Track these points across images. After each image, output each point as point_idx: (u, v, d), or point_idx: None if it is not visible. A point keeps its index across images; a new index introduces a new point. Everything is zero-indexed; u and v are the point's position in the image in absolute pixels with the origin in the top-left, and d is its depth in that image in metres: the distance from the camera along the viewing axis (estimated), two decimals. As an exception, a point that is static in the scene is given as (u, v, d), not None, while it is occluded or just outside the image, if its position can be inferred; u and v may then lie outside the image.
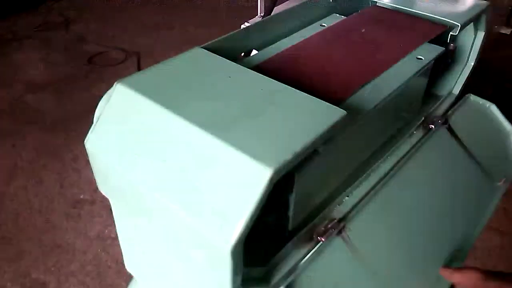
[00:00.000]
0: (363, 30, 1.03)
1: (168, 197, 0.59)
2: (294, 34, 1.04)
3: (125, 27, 3.74)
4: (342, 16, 1.13)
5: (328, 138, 0.62)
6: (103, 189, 0.75)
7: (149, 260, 0.76)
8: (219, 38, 0.88)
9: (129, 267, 0.77)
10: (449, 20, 0.93)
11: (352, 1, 1.03)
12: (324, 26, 1.08)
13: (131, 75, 0.72)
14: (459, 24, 0.92)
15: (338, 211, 0.78)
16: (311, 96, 0.67)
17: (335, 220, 0.75)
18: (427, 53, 0.91)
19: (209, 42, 0.85)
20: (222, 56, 0.80)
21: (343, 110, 0.64)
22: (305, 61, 0.90)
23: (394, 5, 0.98)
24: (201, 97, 0.67)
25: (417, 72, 0.85)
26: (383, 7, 0.98)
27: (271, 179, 0.53)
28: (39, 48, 3.38)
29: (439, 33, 0.94)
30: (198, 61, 0.77)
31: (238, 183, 0.55)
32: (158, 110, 0.64)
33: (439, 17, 0.94)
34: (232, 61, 0.88)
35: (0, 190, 2.23)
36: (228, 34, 0.90)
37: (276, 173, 0.53)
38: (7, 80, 2.99)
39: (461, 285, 0.69)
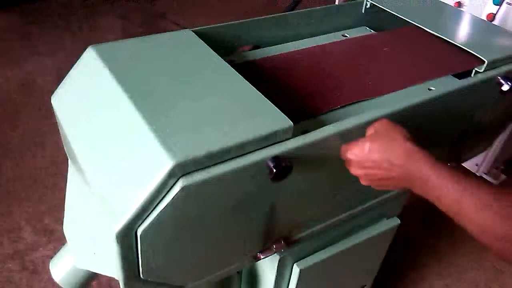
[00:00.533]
0: (385, 49, 0.94)
1: (88, 163, 0.59)
2: (311, 38, 0.99)
3: (209, 9, 3.81)
4: (372, 31, 1.05)
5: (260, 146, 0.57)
6: (65, 148, 0.76)
7: (79, 224, 0.75)
8: (216, 25, 0.85)
9: (65, 229, 0.77)
10: (477, 55, 0.81)
11: (387, 18, 0.95)
12: (346, 36, 1.01)
13: (106, 43, 0.73)
14: (485, 61, 0.80)
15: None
16: (266, 100, 0.62)
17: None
18: (441, 85, 0.81)
19: (204, 27, 0.83)
20: (214, 44, 0.77)
21: (289, 122, 0.59)
22: (305, 67, 0.84)
23: (432, 29, 0.88)
24: (155, 76, 0.65)
25: (419, 104, 0.75)
26: (421, 29, 0.88)
27: (171, 172, 0.50)
28: (122, 17, 3.58)
29: (465, 69, 0.83)
30: (178, 42, 0.75)
31: (145, 167, 0.52)
32: (109, 79, 0.63)
33: (470, 50, 0.82)
34: (226, 51, 0.87)
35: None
36: (227, 23, 0.87)
37: (178, 166, 0.50)
38: (88, 42, 3.19)
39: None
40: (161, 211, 0.51)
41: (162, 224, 0.53)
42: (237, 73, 0.67)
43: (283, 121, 0.59)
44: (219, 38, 0.87)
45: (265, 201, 0.63)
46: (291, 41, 0.97)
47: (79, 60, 0.71)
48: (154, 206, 0.51)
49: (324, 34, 1.01)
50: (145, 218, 0.52)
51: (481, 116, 0.89)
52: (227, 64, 0.70)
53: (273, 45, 0.94)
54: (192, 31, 0.79)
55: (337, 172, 0.69)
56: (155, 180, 0.50)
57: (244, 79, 0.66)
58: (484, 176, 2.03)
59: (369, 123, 0.65)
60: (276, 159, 0.56)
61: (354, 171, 0.62)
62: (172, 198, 0.51)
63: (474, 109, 0.85)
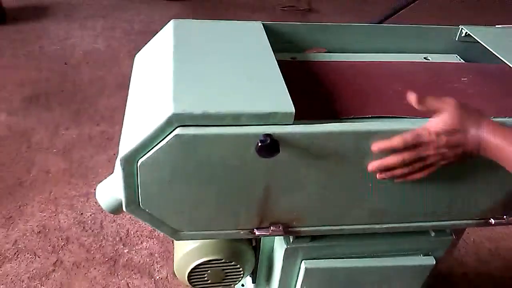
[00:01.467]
0: (463, 79, 0.89)
1: (130, 102, 0.73)
2: (390, 54, 0.98)
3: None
4: (462, 60, 0.99)
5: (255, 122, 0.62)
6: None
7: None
8: (289, 23, 0.92)
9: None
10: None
11: (482, 50, 0.89)
12: (428, 60, 0.97)
13: (186, 19, 0.87)
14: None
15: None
16: (284, 87, 0.67)
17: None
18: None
19: (277, 23, 0.91)
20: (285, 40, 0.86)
21: (292, 108, 0.63)
22: (360, 78, 0.86)
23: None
24: (206, 51, 0.76)
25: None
26: (508, 70, 0.81)
27: (169, 120, 0.60)
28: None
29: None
30: (243, 30, 0.85)
31: (156, 111, 0.63)
32: (170, 45, 0.77)
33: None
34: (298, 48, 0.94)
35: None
36: (303, 23, 0.93)
37: (176, 117, 0.60)
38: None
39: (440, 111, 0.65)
40: (157, 149, 0.62)
41: (158, 161, 0.63)
42: (276, 63, 0.74)
43: (287, 106, 0.63)
44: (291, 36, 0.94)
45: (257, 178, 0.68)
46: (370, 53, 0.99)
47: (162, 29, 0.87)
48: (153, 145, 0.62)
49: (408, 53, 1.00)
50: (145, 153, 0.63)
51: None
52: (272, 55, 0.76)
53: (345, 52, 0.97)
54: (263, 24, 0.88)
55: (343, 175, 0.71)
56: (155, 123, 0.60)
57: (277, 68, 0.72)
58: None
59: (381, 134, 0.66)
60: (268, 136, 0.62)
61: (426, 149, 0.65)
62: (167, 142, 0.61)
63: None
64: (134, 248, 1.61)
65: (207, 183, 0.67)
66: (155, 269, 1.53)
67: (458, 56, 1.00)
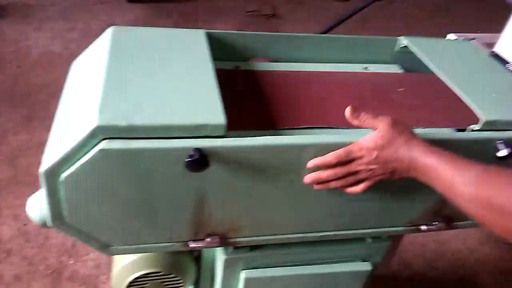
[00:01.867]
0: (400, 89, 0.92)
1: (61, 109, 0.71)
2: (331, 64, 1.00)
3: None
4: (401, 70, 1.02)
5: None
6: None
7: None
8: (235, 31, 0.93)
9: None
10: (475, 112, 0.75)
11: (419, 63, 0.92)
12: (367, 69, 1.00)
13: (124, 26, 0.85)
14: (481, 119, 0.73)
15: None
16: (218, 99, 0.67)
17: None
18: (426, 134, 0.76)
19: (221, 31, 0.91)
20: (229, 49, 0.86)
21: (223, 120, 0.63)
22: (300, 88, 0.87)
23: (449, 80, 0.83)
24: (141, 59, 0.75)
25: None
26: (440, 80, 0.84)
27: (93, 132, 0.58)
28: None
29: (462, 126, 0.77)
30: (184, 38, 0.84)
31: (82, 122, 0.61)
32: (105, 52, 0.75)
33: (471, 105, 0.76)
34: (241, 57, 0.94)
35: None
36: (247, 32, 0.94)
37: (100, 129, 0.58)
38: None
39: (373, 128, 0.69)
40: (81, 164, 0.60)
41: (82, 176, 0.61)
42: (213, 73, 0.74)
43: (218, 118, 0.63)
44: (234, 44, 0.95)
45: (189, 191, 0.68)
46: (314, 62, 1.00)
47: (100, 35, 0.85)
48: (78, 158, 0.60)
49: (348, 63, 1.02)
50: (69, 167, 0.61)
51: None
52: (211, 65, 0.76)
53: (288, 62, 0.98)
54: (206, 32, 0.87)
55: (276, 187, 0.71)
56: (79, 135, 0.59)
57: (214, 79, 0.72)
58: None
59: (313, 147, 0.67)
60: (197, 151, 0.61)
61: (356, 166, 0.68)
62: (91, 156, 0.59)
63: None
64: (80, 260, 1.56)
65: (136, 197, 0.66)
66: (101, 281, 1.49)
67: (398, 66, 1.03)
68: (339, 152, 0.67)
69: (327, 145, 0.68)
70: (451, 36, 2.20)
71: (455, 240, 1.95)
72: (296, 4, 4.42)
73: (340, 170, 0.68)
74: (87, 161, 0.60)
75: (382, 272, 1.71)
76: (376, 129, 0.67)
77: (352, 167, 0.68)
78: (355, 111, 0.68)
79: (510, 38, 1.52)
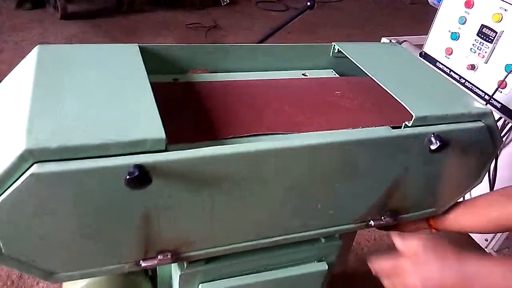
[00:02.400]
0: (337, 93, 0.95)
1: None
2: (269, 72, 1.02)
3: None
4: (336, 75, 1.06)
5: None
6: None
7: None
8: (170, 44, 0.92)
9: None
10: (408, 108, 0.79)
11: (353, 67, 0.95)
12: (306, 75, 1.03)
13: (52, 44, 0.82)
14: (413, 115, 0.77)
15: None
16: (156, 113, 0.66)
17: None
18: (365, 133, 0.79)
19: (156, 45, 0.90)
20: (166, 62, 0.85)
21: (163, 134, 0.62)
22: (238, 96, 0.88)
23: (382, 81, 0.87)
24: (70, 77, 0.72)
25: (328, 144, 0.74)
26: (374, 82, 0.88)
27: (22, 156, 0.55)
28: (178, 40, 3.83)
29: (398, 122, 0.81)
30: (116, 53, 0.81)
31: (10, 146, 0.57)
32: (31, 71, 0.72)
33: (403, 103, 0.80)
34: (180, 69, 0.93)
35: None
36: (183, 44, 0.93)
37: (29, 152, 0.55)
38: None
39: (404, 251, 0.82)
40: (13, 191, 0.56)
41: (15, 204, 0.57)
42: (149, 86, 0.72)
43: (157, 132, 0.62)
44: (171, 57, 0.93)
45: (133, 209, 0.65)
46: (252, 71, 1.01)
47: (27, 55, 0.80)
48: (8, 185, 0.56)
49: (287, 70, 1.04)
50: (0, 195, 0.57)
51: (418, 174, 0.85)
52: (146, 78, 0.74)
53: (228, 72, 0.99)
54: (139, 46, 0.86)
55: (222, 197, 0.71)
56: (7, 161, 0.55)
57: (150, 92, 0.70)
58: (494, 254, 1.87)
59: (255, 154, 0.67)
60: (137, 167, 0.59)
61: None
62: (23, 182, 0.56)
63: (405, 164, 0.82)
64: (29, 291, 1.47)
65: (76, 220, 0.63)
66: (53, 312, 1.41)
67: (333, 71, 1.07)
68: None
69: (267, 151, 0.69)
70: (384, 40, 2.32)
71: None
72: (236, 16, 4.48)
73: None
74: (18, 187, 0.56)
75: (340, 270, 1.75)
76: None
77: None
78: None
79: (435, 38, 1.63)
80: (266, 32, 1.24)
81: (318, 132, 0.80)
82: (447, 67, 1.59)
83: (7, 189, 0.57)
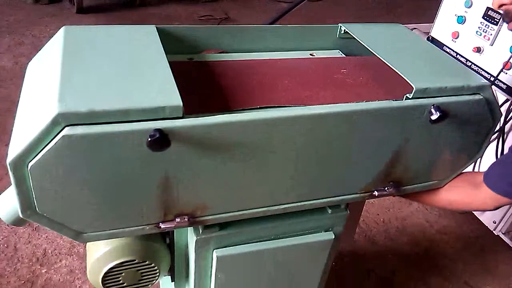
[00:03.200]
0: (343, 71, 1.00)
1: (22, 104, 0.74)
2: (278, 52, 1.07)
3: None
4: (343, 55, 1.10)
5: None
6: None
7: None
8: (185, 26, 0.98)
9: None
10: (408, 81, 0.83)
11: (359, 45, 1.00)
12: (313, 55, 1.08)
13: (78, 26, 0.88)
14: (413, 87, 0.82)
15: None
16: (173, 83, 0.72)
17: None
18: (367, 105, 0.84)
19: (171, 26, 0.96)
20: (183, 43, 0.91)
21: (180, 101, 0.68)
22: (250, 74, 0.93)
23: (387, 59, 0.91)
24: (95, 52, 0.78)
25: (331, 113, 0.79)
26: (379, 60, 0.92)
27: (55, 120, 0.61)
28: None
29: (400, 95, 0.85)
30: (136, 33, 0.88)
31: (44, 111, 0.64)
32: (60, 48, 0.78)
33: (405, 76, 0.85)
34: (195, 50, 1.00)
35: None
36: (196, 26, 0.99)
37: (61, 116, 0.61)
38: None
39: None
40: (46, 152, 0.63)
41: (49, 163, 0.64)
42: (166, 61, 0.78)
43: (175, 100, 0.68)
44: (187, 38, 0.99)
45: (154, 171, 0.72)
46: (263, 51, 1.07)
47: (54, 35, 0.87)
48: (43, 146, 0.63)
49: (295, 50, 1.09)
50: (35, 156, 0.63)
51: (419, 145, 0.90)
52: (163, 54, 0.80)
53: (240, 52, 1.04)
54: (157, 27, 0.92)
55: (235, 163, 0.76)
56: (42, 124, 0.62)
57: (167, 66, 0.76)
58: (502, 236, 1.90)
59: (266, 121, 0.73)
60: (157, 131, 0.65)
61: None
62: (55, 143, 0.62)
63: (406, 135, 0.87)
64: (53, 267, 1.55)
65: (103, 181, 0.69)
66: (76, 286, 1.49)
67: (340, 52, 1.12)
68: None
69: (277, 119, 0.74)
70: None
71: (416, 215, 2.08)
72: (247, 7, 4.52)
73: None
74: (51, 148, 0.63)
75: (348, 247, 1.80)
76: None
77: None
78: None
79: (442, 22, 1.65)
80: (271, 17, 1.29)
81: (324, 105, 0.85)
82: (454, 51, 1.62)
83: (41, 150, 0.63)
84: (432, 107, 0.83)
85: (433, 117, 0.83)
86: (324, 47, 1.12)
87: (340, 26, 1.08)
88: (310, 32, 1.09)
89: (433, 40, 1.72)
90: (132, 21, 3.83)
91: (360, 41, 0.98)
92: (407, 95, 0.84)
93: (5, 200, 0.83)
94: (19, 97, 0.76)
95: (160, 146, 0.66)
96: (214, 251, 0.94)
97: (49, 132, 0.62)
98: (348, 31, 1.05)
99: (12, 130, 0.69)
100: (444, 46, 1.67)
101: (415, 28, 2.35)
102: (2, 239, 1.64)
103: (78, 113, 0.62)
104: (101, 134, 0.64)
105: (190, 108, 0.70)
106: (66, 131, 0.62)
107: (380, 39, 1.01)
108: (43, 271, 1.53)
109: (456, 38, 1.60)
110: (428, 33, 1.89)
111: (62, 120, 0.62)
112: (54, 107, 0.62)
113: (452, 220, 2.08)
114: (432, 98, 0.84)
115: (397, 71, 0.87)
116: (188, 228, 0.93)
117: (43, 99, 0.67)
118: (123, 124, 0.65)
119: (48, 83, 0.70)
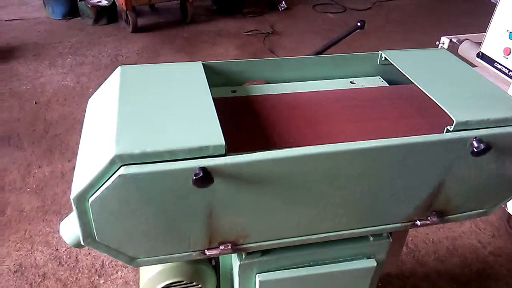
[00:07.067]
0: (385, 102, 1.01)
1: (82, 144, 0.82)
2: (319, 81, 1.10)
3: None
4: (383, 81, 1.11)
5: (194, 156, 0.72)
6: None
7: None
8: (226, 61, 1.03)
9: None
10: (449, 114, 0.83)
11: (399, 73, 1.00)
12: (354, 84, 1.10)
13: (131, 65, 0.97)
14: (454, 120, 0.82)
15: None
16: (217, 122, 0.77)
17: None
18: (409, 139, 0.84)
19: (215, 61, 1.02)
20: (225, 76, 0.96)
21: (222, 141, 0.73)
22: (291, 109, 0.97)
23: (426, 89, 0.91)
24: (148, 93, 0.85)
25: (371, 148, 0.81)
26: (419, 89, 0.93)
27: (112, 160, 0.69)
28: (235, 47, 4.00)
29: (439, 128, 0.85)
30: (184, 70, 0.95)
31: (102, 152, 0.72)
32: (116, 89, 0.86)
33: (445, 108, 0.85)
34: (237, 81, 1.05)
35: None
36: (237, 60, 1.04)
37: (118, 157, 0.69)
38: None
39: None
40: (105, 189, 0.70)
41: (106, 198, 0.72)
42: (211, 101, 0.84)
43: (218, 140, 0.73)
44: (230, 71, 1.05)
45: (199, 205, 0.77)
46: (305, 81, 1.10)
47: (111, 74, 0.96)
48: (101, 183, 0.71)
49: (336, 78, 1.12)
50: (95, 192, 0.71)
51: (462, 176, 0.89)
52: (208, 93, 0.86)
53: (281, 82, 1.09)
54: (202, 63, 0.98)
55: (275, 196, 0.80)
56: (101, 164, 0.69)
57: (212, 106, 0.82)
58: None
59: (301, 158, 0.76)
60: (202, 169, 0.71)
61: None
62: (113, 181, 0.70)
63: (448, 166, 0.86)
64: (110, 278, 1.66)
65: (153, 214, 0.76)
66: (130, 297, 1.59)
67: (381, 78, 1.13)
68: None
69: (321, 154, 0.77)
70: (444, 39, 2.28)
71: (468, 236, 2.00)
72: (292, 18, 4.56)
73: None
74: (109, 185, 0.70)
75: (396, 270, 1.78)
76: None
77: None
78: None
79: (493, 38, 1.60)
80: (324, 44, 1.32)
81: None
82: (505, 67, 1.56)
83: (100, 187, 0.71)
84: (474, 139, 0.82)
85: (476, 150, 0.82)
86: (364, 74, 1.13)
87: (381, 54, 1.09)
88: (350, 60, 1.11)
89: (483, 56, 1.67)
90: (183, 39, 3.99)
91: (401, 70, 0.99)
92: (448, 127, 0.84)
93: (67, 226, 0.93)
94: (81, 134, 0.85)
95: (204, 183, 0.71)
96: (257, 275, 0.98)
97: (107, 171, 0.70)
98: (388, 59, 1.06)
99: (74, 147, 0.78)
100: (495, 63, 1.61)
101: (466, 39, 2.27)
102: (65, 250, 1.78)
103: (133, 155, 0.69)
104: (152, 172, 0.70)
105: (233, 144, 0.75)
106: (122, 170, 0.69)
107: (421, 67, 1.01)
108: (101, 281, 1.65)
109: (508, 55, 1.54)
110: (480, 43, 1.83)
111: (119, 160, 0.69)
112: (112, 149, 0.70)
113: (508, 241, 1.98)
114: (475, 130, 0.84)
115: (437, 102, 0.87)
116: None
117: (102, 140, 0.75)
118: (171, 163, 0.71)
119: (106, 125, 0.78)
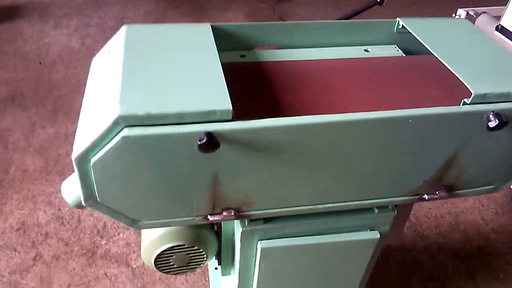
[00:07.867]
0: (396, 73, 0.97)
1: (85, 103, 0.79)
2: (332, 48, 1.06)
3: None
4: (399, 50, 1.07)
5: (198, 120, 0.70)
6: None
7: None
8: (238, 23, 0.99)
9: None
10: (467, 85, 0.80)
11: (417, 43, 0.96)
12: (369, 51, 1.05)
13: (136, 24, 0.93)
14: (471, 92, 0.78)
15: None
16: (224, 86, 0.74)
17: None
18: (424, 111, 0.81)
19: (226, 23, 0.98)
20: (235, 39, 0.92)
21: (230, 106, 0.70)
22: (301, 76, 0.93)
23: (444, 59, 0.87)
24: (154, 53, 0.82)
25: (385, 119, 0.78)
26: (437, 59, 0.88)
27: (115, 121, 0.66)
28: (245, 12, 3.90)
29: (456, 101, 0.82)
30: (191, 32, 0.91)
31: (105, 112, 0.69)
32: (121, 48, 0.83)
33: (463, 80, 0.81)
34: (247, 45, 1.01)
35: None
36: (250, 22, 1.00)
37: (121, 118, 0.66)
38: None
39: None
40: (107, 150, 0.68)
41: (109, 160, 0.70)
42: (219, 65, 0.80)
43: (225, 104, 0.70)
44: (240, 34, 1.01)
45: (204, 169, 0.75)
46: (318, 47, 1.06)
47: (115, 33, 0.92)
48: (104, 144, 0.69)
49: (350, 45, 1.07)
50: (97, 153, 0.69)
51: (475, 151, 0.86)
52: (217, 56, 0.82)
53: (293, 48, 1.04)
54: (211, 25, 0.94)
55: (281, 164, 0.78)
56: (104, 124, 0.67)
57: (220, 69, 0.79)
58: None
59: (311, 126, 0.73)
60: (207, 133, 0.69)
61: None
62: (115, 143, 0.68)
63: (462, 140, 0.84)
64: (111, 240, 1.68)
65: (157, 177, 0.74)
66: (132, 258, 1.61)
67: (397, 47, 1.08)
68: None
69: (327, 124, 0.74)
70: (461, 12, 2.19)
71: (470, 212, 2.00)
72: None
73: None
74: (112, 147, 0.68)
75: (397, 243, 1.78)
76: None
77: None
78: None
79: (515, 9, 1.53)
80: (347, 13, 1.27)
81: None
82: (525, 42, 1.50)
83: (102, 148, 0.69)
84: (491, 113, 0.79)
85: (491, 124, 0.79)
86: (380, 42, 1.08)
87: (398, 21, 1.04)
88: (365, 27, 1.07)
89: (502, 30, 1.60)
90: (191, 3, 3.89)
91: (419, 39, 0.95)
92: (465, 99, 0.80)
93: (69, 186, 0.92)
94: (83, 93, 0.83)
95: (209, 148, 0.69)
96: (259, 242, 0.97)
97: (110, 132, 0.67)
98: (405, 26, 1.01)
99: (78, 109, 0.75)
100: (515, 36, 1.55)
101: (484, 12, 2.19)
102: (68, 210, 1.79)
103: (136, 116, 0.67)
104: (156, 135, 0.68)
105: (241, 110, 0.72)
106: (125, 131, 0.67)
107: (440, 36, 0.97)
108: (102, 242, 1.67)
109: (529, 28, 1.48)
110: (499, 17, 1.76)
111: (122, 121, 0.67)
112: (115, 109, 0.67)
113: (511, 219, 1.98)
114: (492, 104, 0.80)
115: (455, 73, 0.83)
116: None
117: (105, 100, 0.72)
118: (176, 126, 0.69)
119: (110, 85, 0.75)
